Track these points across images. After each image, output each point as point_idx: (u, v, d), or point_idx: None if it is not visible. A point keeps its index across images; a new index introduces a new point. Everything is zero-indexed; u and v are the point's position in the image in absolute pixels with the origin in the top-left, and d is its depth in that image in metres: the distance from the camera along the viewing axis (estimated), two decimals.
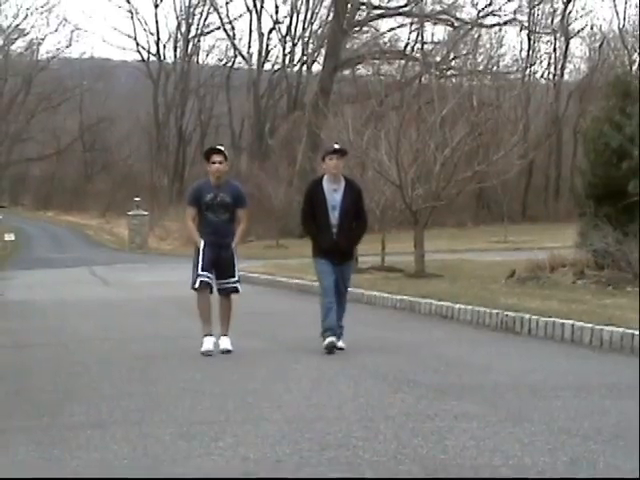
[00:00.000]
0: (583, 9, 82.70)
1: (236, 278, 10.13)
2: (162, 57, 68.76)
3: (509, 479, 4.69)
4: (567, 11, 56.18)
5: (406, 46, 56.36)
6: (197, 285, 9.89)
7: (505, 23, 54.89)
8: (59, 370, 9.02)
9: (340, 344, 9.83)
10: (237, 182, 10.84)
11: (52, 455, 5.52)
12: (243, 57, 62.53)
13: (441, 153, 20.71)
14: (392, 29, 57.27)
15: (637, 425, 5.92)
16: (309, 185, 10.40)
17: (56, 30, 75.34)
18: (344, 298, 10.20)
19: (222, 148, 10.37)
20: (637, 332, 9.29)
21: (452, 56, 52.74)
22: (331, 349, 9.60)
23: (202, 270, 9.88)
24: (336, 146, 10.27)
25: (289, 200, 46.92)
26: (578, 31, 57.44)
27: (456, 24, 53.33)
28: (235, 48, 64.17)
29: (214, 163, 10.10)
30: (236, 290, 10.17)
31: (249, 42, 68.57)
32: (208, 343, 9.79)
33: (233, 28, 78.23)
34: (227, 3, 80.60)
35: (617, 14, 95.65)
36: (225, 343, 9.88)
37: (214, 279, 10.02)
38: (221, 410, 6.71)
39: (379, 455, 5.30)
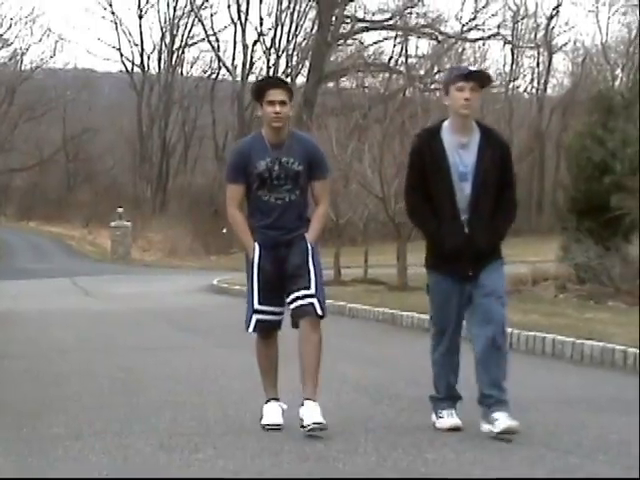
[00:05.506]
0: (566, 24, 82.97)
1: (312, 290, 6.11)
2: (146, 68, 68.66)
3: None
4: (550, 26, 56.55)
5: (390, 59, 56.60)
6: (251, 328, 6.32)
7: (489, 37, 55.19)
8: (39, 381, 8.97)
9: (507, 423, 5.87)
10: (307, 135, 6.96)
11: (31, 466, 5.49)
12: (227, 69, 62.53)
13: None
14: (376, 42, 57.53)
15: (617, 439, 5.95)
16: (417, 138, 6.29)
17: (40, 40, 74.85)
18: (498, 344, 5.99)
19: (285, 79, 6.78)
20: (617, 346, 9.33)
21: (436, 70, 52.88)
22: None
23: (259, 302, 6.24)
24: (472, 68, 6.59)
25: None
26: (561, 46, 57.94)
27: (440, 38, 53.56)
28: (219, 60, 64.17)
29: (272, 104, 6.07)
30: (312, 310, 6.10)
31: (233, 54, 68.30)
32: (273, 413, 6.38)
33: (217, 40, 77.82)
34: (212, 15, 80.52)
35: (600, 30, 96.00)
36: (311, 412, 6.05)
37: (284, 304, 6.29)
38: (201, 422, 6.70)
39: (359, 468, 5.29)
